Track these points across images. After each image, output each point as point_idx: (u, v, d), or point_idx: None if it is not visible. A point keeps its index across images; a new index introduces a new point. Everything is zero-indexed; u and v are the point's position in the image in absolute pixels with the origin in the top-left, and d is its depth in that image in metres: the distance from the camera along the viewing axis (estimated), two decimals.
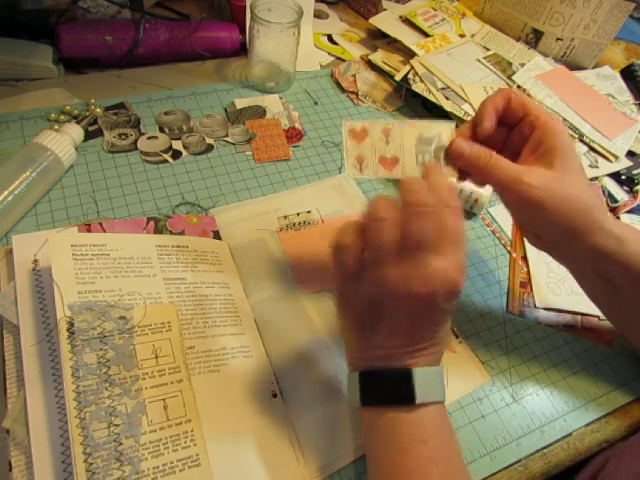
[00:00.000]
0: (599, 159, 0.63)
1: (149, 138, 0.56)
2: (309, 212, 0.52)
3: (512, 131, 0.40)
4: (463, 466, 0.34)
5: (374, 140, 0.38)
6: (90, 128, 0.55)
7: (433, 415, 0.34)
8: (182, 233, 0.46)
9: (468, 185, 0.55)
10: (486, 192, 0.55)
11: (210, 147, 0.57)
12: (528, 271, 0.52)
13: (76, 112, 0.55)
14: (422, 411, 0.33)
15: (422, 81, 0.65)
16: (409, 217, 0.32)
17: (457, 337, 0.46)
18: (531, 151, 0.38)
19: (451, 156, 0.38)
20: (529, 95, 0.67)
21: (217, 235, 0.48)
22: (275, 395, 0.39)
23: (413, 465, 0.32)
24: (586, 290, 0.43)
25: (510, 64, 0.72)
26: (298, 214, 0.52)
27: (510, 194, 0.36)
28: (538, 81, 0.70)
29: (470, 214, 0.57)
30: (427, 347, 0.34)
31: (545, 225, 0.38)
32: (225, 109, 0.61)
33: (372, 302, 0.33)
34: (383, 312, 0.33)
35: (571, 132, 0.65)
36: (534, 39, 0.80)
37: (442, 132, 0.39)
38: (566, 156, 0.36)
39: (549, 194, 0.35)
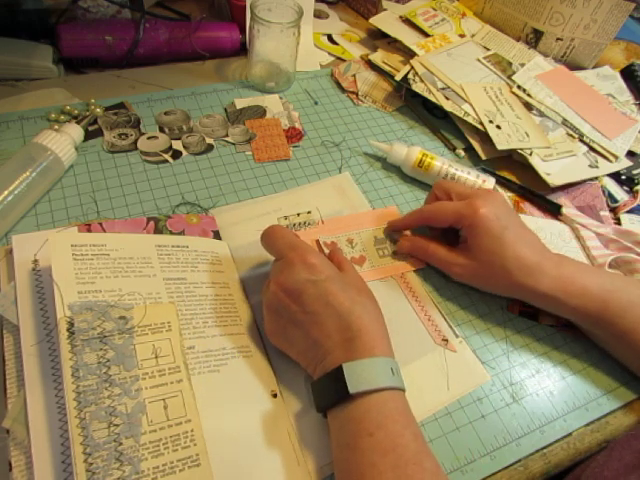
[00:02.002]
0: (599, 159, 0.63)
1: (149, 138, 0.56)
2: (309, 212, 0.52)
3: None
4: (422, 455, 0.33)
5: (342, 248, 0.50)
6: (90, 128, 0.55)
7: (378, 407, 0.34)
8: (182, 233, 0.46)
9: (472, 177, 0.55)
10: (489, 184, 0.55)
11: (210, 147, 0.57)
12: None
13: (76, 112, 0.55)
14: (364, 403, 0.34)
15: (422, 81, 0.65)
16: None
17: (457, 337, 0.46)
18: (464, 234, 0.47)
19: (402, 251, 0.50)
20: (529, 95, 0.67)
21: (217, 235, 0.48)
22: (275, 395, 0.39)
23: (360, 459, 0.32)
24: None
25: (510, 64, 0.72)
26: (298, 214, 0.52)
27: (445, 272, 0.48)
28: (538, 81, 0.70)
29: None
30: (349, 341, 0.36)
31: (487, 290, 0.48)
32: (225, 109, 0.61)
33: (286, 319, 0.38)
34: (289, 326, 0.38)
35: (571, 132, 0.65)
36: (534, 39, 0.80)
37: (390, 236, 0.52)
38: (485, 241, 0.44)
39: (468, 276, 0.46)
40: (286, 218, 0.51)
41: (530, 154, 0.60)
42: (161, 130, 0.57)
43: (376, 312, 0.39)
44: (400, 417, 0.34)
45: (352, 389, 0.33)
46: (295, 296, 0.37)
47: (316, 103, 0.65)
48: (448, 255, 0.47)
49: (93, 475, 0.30)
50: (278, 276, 0.38)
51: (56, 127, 0.50)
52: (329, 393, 0.35)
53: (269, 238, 0.42)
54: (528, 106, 0.66)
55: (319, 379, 0.36)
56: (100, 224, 0.45)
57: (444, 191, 0.48)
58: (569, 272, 0.43)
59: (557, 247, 0.54)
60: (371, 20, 0.76)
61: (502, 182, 0.61)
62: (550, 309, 0.45)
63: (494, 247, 0.43)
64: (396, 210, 0.55)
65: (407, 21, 0.76)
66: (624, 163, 0.64)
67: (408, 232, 0.52)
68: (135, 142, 0.55)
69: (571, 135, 0.65)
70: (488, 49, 0.75)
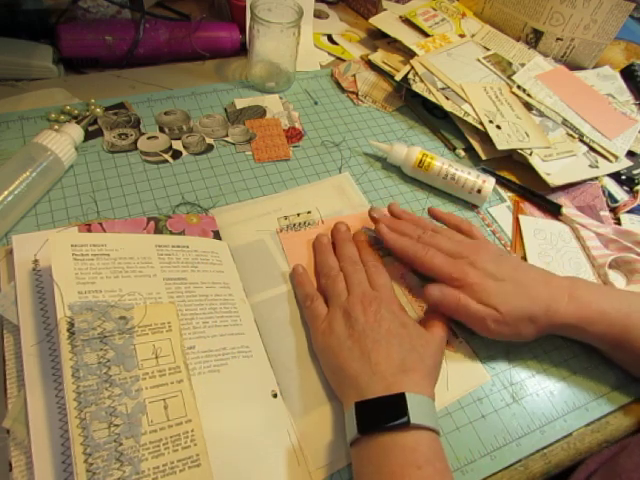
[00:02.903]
0: (599, 159, 0.63)
1: (149, 138, 0.56)
2: (309, 212, 0.52)
3: None
4: None
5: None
6: (90, 128, 0.55)
7: (428, 443, 0.34)
8: (182, 233, 0.46)
9: (472, 177, 0.55)
10: (489, 184, 0.55)
11: (210, 147, 0.57)
12: None
13: (76, 112, 0.55)
14: (417, 436, 0.34)
15: (422, 81, 0.65)
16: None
17: (457, 337, 0.46)
18: None
19: (429, 303, 0.47)
20: (529, 95, 0.67)
21: (217, 235, 0.48)
22: (275, 395, 0.39)
23: None
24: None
25: (510, 64, 0.72)
26: (298, 214, 0.52)
27: (475, 327, 0.43)
28: (538, 81, 0.70)
29: (472, 207, 0.57)
30: (417, 374, 0.37)
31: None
32: (225, 109, 0.61)
33: (358, 339, 0.39)
34: (368, 345, 0.38)
35: (571, 132, 0.65)
36: (534, 39, 0.80)
37: None
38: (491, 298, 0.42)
39: (501, 326, 0.42)
40: (286, 218, 0.51)
41: (530, 154, 0.60)
42: (161, 130, 0.57)
43: (434, 366, 0.40)
44: (444, 459, 0.34)
45: (414, 419, 0.33)
46: (377, 319, 0.40)
47: (316, 103, 0.65)
48: (481, 308, 0.42)
49: (93, 475, 0.30)
50: (371, 299, 0.41)
51: (56, 127, 0.50)
52: (382, 414, 0.34)
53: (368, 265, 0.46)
54: (528, 106, 0.66)
55: (370, 400, 0.35)
56: (100, 224, 0.45)
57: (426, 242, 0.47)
58: (584, 298, 0.42)
59: (557, 247, 0.54)
60: (371, 20, 0.76)
61: (502, 182, 0.61)
62: (576, 337, 0.44)
63: (500, 303, 0.42)
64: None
65: (407, 21, 0.76)
66: (624, 163, 0.64)
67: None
68: (135, 142, 0.55)
69: (571, 135, 0.65)
70: (488, 49, 0.75)
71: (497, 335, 0.42)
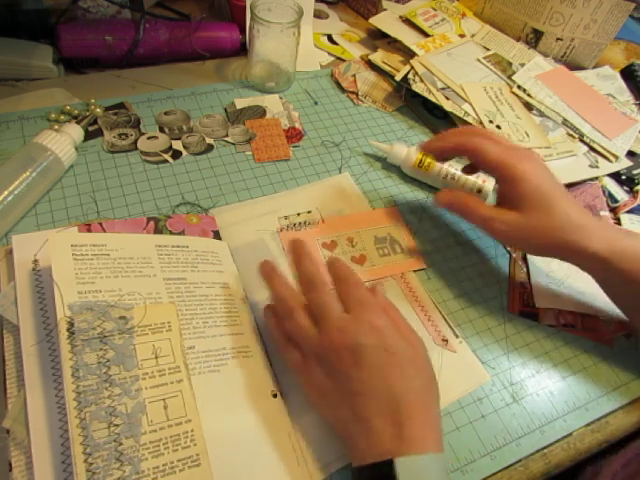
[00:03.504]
0: (599, 159, 0.63)
1: (149, 138, 0.56)
2: (310, 212, 0.52)
3: None
4: None
5: (343, 247, 0.50)
6: (90, 128, 0.55)
7: None
8: (182, 233, 0.46)
9: (472, 177, 0.55)
10: (489, 184, 0.55)
11: (210, 147, 0.57)
12: (528, 271, 0.52)
13: (76, 112, 0.55)
14: None
15: (422, 81, 0.65)
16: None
17: (457, 337, 0.46)
18: (503, 196, 0.45)
19: (439, 204, 0.48)
20: (529, 95, 0.67)
21: (217, 235, 0.48)
22: (275, 395, 0.39)
23: None
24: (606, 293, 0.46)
25: (510, 64, 0.72)
26: (299, 214, 0.52)
27: (486, 230, 0.45)
28: (538, 81, 0.70)
29: None
30: (416, 421, 0.32)
31: (528, 251, 0.47)
32: (225, 109, 0.61)
33: (342, 392, 0.34)
34: (354, 399, 0.33)
35: (571, 132, 0.65)
36: (534, 39, 0.80)
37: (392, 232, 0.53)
38: (528, 198, 0.42)
39: (513, 233, 0.43)
40: (286, 218, 0.51)
41: None
42: (161, 130, 0.57)
43: (430, 395, 0.35)
44: None
45: None
46: (355, 359, 0.34)
47: (316, 103, 0.65)
48: (491, 210, 0.44)
49: (93, 475, 0.30)
50: (343, 331, 0.34)
51: (56, 127, 0.50)
52: None
53: (341, 281, 0.38)
54: (528, 106, 0.66)
55: (363, 469, 0.32)
56: (100, 224, 0.45)
57: (488, 137, 0.45)
58: (618, 234, 0.42)
59: None
60: (371, 20, 0.76)
61: None
62: (594, 273, 0.43)
63: (540, 202, 0.42)
64: (397, 211, 0.55)
65: (407, 21, 0.76)
66: (624, 163, 0.64)
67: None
68: (135, 142, 0.55)
69: (571, 135, 0.65)
70: (488, 49, 0.75)
71: (499, 239, 0.46)
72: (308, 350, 0.36)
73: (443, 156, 0.49)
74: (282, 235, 0.50)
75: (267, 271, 0.41)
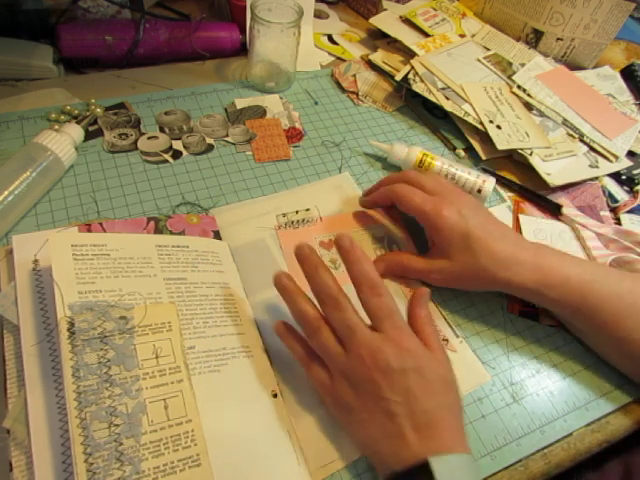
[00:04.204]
0: (599, 159, 0.63)
1: (149, 138, 0.56)
2: (308, 210, 0.52)
3: None
4: None
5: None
6: (90, 128, 0.55)
7: None
8: (182, 233, 0.46)
9: (472, 177, 0.55)
10: (489, 184, 0.55)
11: (210, 147, 0.57)
12: None
13: (76, 112, 0.55)
14: None
15: (422, 81, 0.65)
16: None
17: (457, 337, 0.46)
18: (432, 242, 0.47)
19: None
20: (529, 95, 0.67)
21: (217, 235, 0.48)
22: (275, 395, 0.39)
23: None
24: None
25: (510, 64, 0.72)
26: (297, 212, 0.52)
27: (426, 281, 0.47)
28: (538, 81, 0.70)
29: None
30: (446, 424, 0.34)
31: (470, 290, 0.47)
32: (225, 109, 0.61)
33: (373, 410, 0.34)
34: (387, 417, 0.34)
35: (571, 132, 0.65)
36: (534, 39, 0.80)
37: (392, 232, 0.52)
38: (453, 244, 0.44)
39: (448, 279, 0.45)
40: (284, 215, 0.51)
41: (530, 154, 0.60)
42: (161, 130, 0.57)
43: (458, 408, 0.36)
44: None
45: None
46: (387, 381, 0.34)
47: (316, 103, 0.65)
48: (424, 263, 0.46)
49: (94, 475, 0.30)
50: (374, 353, 0.34)
51: (56, 127, 0.50)
52: None
53: (361, 283, 0.37)
54: (528, 106, 0.66)
55: (399, 475, 0.32)
56: (100, 224, 0.45)
57: (414, 183, 0.47)
58: (548, 262, 0.43)
59: (557, 247, 0.54)
60: (371, 20, 0.76)
61: (502, 182, 0.61)
62: (531, 300, 0.45)
63: (463, 246, 0.43)
64: (395, 211, 0.55)
65: (407, 21, 0.76)
66: (624, 163, 0.64)
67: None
68: (135, 142, 0.55)
69: (571, 135, 0.65)
70: (488, 49, 0.75)
71: (447, 285, 0.46)
72: (335, 369, 0.36)
73: (380, 206, 0.53)
74: (280, 233, 0.50)
75: (284, 285, 0.39)
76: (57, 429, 0.33)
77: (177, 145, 0.56)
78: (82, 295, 0.36)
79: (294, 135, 0.60)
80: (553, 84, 0.70)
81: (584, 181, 0.61)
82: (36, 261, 0.40)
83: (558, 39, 0.78)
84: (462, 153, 0.63)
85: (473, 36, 0.77)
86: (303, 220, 0.51)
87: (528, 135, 0.62)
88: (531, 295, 0.43)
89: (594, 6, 0.73)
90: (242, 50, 0.68)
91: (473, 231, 0.43)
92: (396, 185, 0.47)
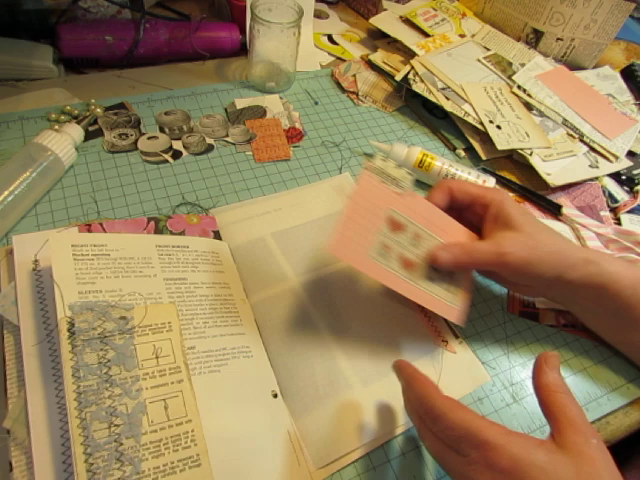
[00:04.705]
0: (599, 159, 0.63)
1: (149, 138, 0.56)
2: (409, 173, 0.42)
3: (463, 213, 0.44)
4: None
5: (407, 238, 0.38)
6: (90, 128, 0.55)
7: None
8: (182, 233, 0.46)
9: (472, 177, 0.55)
10: (489, 184, 0.55)
11: (210, 147, 0.57)
12: None
13: (76, 112, 0.55)
14: None
15: (422, 81, 0.65)
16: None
17: (457, 337, 0.46)
18: (492, 225, 0.42)
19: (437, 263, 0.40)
20: (529, 95, 0.67)
21: (217, 235, 0.48)
22: (275, 395, 0.39)
23: None
24: (591, 324, 0.46)
25: (510, 64, 0.72)
26: (398, 166, 0.42)
27: (498, 268, 0.40)
28: (538, 81, 0.70)
29: None
30: None
31: (536, 276, 0.40)
32: (225, 109, 0.61)
33: None
34: None
35: (571, 132, 0.65)
36: (534, 39, 0.80)
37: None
38: (521, 216, 0.41)
39: (528, 251, 0.39)
40: (384, 160, 0.41)
41: (530, 154, 0.60)
42: (161, 130, 0.57)
43: None
44: None
45: None
46: None
47: (316, 103, 0.65)
48: (489, 243, 0.40)
49: (94, 475, 0.30)
50: None
51: (56, 127, 0.50)
52: None
53: (435, 418, 0.31)
54: (528, 106, 0.66)
55: None
56: (100, 224, 0.45)
57: (456, 191, 0.43)
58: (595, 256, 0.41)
59: None
60: (371, 20, 0.76)
61: (502, 182, 0.61)
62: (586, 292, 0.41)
63: (535, 228, 0.41)
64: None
65: (407, 21, 0.76)
66: (624, 163, 0.64)
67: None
68: (135, 142, 0.55)
69: (571, 135, 0.65)
70: (488, 49, 0.75)
71: (515, 269, 0.39)
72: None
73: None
74: (364, 174, 0.39)
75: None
76: (57, 429, 0.33)
77: (177, 145, 0.56)
78: (82, 295, 0.36)
79: (294, 135, 0.60)
80: (553, 84, 0.70)
81: (584, 181, 0.61)
82: (36, 261, 0.40)
83: (558, 39, 0.78)
84: (462, 153, 0.63)
85: (473, 36, 0.77)
86: (394, 180, 0.40)
87: (528, 135, 0.62)
88: (593, 270, 0.40)
89: (594, 6, 0.73)
90: (242, 50, 0.68)
91: (535, 220, 0.42)
92: (446, 180, 0.44)
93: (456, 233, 0.43)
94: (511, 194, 0.60)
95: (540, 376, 0.32)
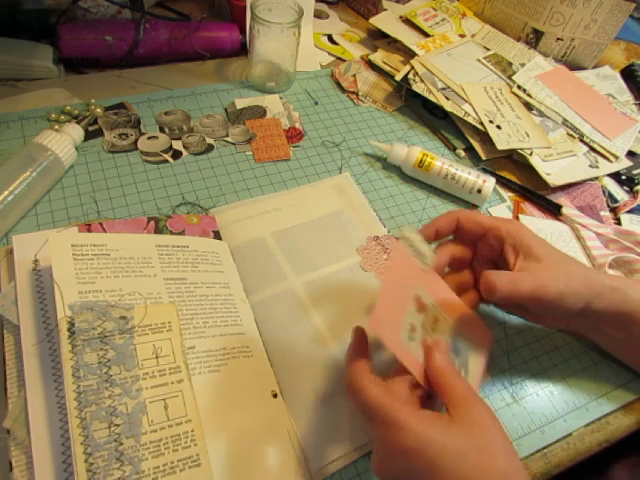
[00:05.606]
0: (599, 159, 0.63)
1: (149, 138, 0.56)
2: (433, 249, 0.41)
3: (477, 245, 0.43)
4: None
5: (427, 321, 0.38)
6: (90, 128, 0.55)
7: None
8: (182, 233, 0.46)
9: (472, 177, 0.55)
10: (489, 184, 0.55)
11: (210, 147, 0.57)
12: None
13: (76, 112, 0.55)
14: None
15: (422, 81, 0.65)
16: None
17: None
18: (514, 257, 0.40)
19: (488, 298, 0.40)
20: (529, 95, 0.67)
21: (217, 235, 0.48)
22: (275, 395, 0.39)
23: None
24: (615, 351, 0.45)
25: (510, 64, 0.72)
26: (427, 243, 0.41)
27: (534, 302, 0.38)
28: (538, 81, 0.70)
29: (472, 207, 0.57)
30: None
31: (566, 308, 0.38)
32: (225, 109, 0.61)
33: None
34: None
35: (571, 132, 0.65)
36: (534, 39, 0.80)
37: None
38: (543, 247, 0.40)
39: (564, 282, 0.38)
40: (411, 246, 0.40)
41: (530, 154, 0.60)
42: (161, 130, 0.57)
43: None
44: None
45: None
46: None
47: (316, 103, 0.65)
48: (529, 277, 0.38)
49: (94, 475, 0.30)
50: (376, 462, 0.33)
51: (56, 127, 0.50)
52: None
53: (354, 392, 0.33)
54: (528, 106, 0.66)
55: None
56: (100, 224, 0.45)
57: (465, 221, 0.42)
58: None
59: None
60: (371, 20, 0.76)
61: (502, 182, 0.61)
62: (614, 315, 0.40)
63: (561, 257, 0.40)
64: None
65: (407, 21, 0.76)
66: (624, 163, 0.64)
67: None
68: (135, 142, 0.55)
69: (571, 135, 0.65)
70: (488, 49, 0.75)
71: (550, 301, 0.37)
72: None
73: (442, 234, 0.43)
74: (398, 247, 0.40)
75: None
76: (57, 429, 0.33)
77: (177, 145, 0.56)
78: (82, 295, 0.36)
79: (294, 135, 0.60)
80: (553, 84, 0.70)
81: (584, 181, 0.61)
82: (36, 261, 0.40)
83: (558, 39, 0.78)
84: (462, 153, 0.63)
85: (473, 36, 0.77)
86: (421, 256, 0.40)
87: (528, 135, 0.62)
88: (618, 297, 0.39)
89: (594, 6, 0.73)
90: (242, 50, 0.68)
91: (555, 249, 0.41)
92: (454, 210, 0.43)
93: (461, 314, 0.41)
94: (511, 194, 0.60)
95: (430, 360, 0.35)
